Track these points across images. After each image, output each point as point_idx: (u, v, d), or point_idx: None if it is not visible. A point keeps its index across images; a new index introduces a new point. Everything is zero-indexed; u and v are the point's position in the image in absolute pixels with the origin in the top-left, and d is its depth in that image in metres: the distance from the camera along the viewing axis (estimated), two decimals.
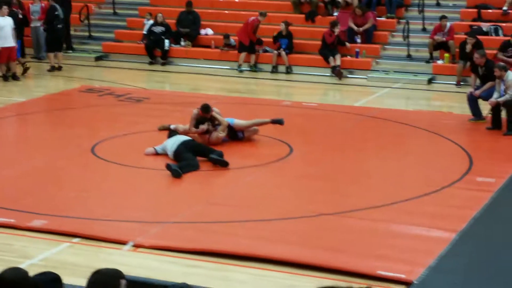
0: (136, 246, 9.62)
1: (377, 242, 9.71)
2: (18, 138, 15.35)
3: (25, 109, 17.32)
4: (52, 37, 21.99)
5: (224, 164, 12.80)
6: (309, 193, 11.79)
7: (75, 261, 9.10)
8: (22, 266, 7.01)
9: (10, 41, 20.35)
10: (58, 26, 22.02)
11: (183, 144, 13.10)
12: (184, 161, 12.71)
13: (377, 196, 11.39)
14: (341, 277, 8.57)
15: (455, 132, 15.22)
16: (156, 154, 13.41)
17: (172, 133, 13.85)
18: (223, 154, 13.04)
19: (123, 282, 5.72)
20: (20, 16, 22.52)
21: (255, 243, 9.59)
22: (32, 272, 5.75)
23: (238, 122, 14.53)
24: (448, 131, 15.18)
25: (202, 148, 13.28)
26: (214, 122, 14.21)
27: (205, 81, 21.24)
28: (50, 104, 18.05)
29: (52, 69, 21.76)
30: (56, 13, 21.99)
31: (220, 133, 14.15)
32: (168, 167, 12.34)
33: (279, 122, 14.58)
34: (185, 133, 14.02)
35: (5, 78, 20.33)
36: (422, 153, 14.07)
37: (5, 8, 20.52)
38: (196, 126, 14.18)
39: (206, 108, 14.15)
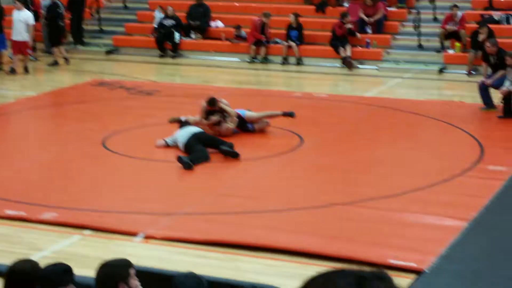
0: (147, 237, 9.63)
1: (388, 231, 9.69)
2: (29, 132, 15.38)
3: (37, 103, 17.36)
4: (55, 33, 22.13)
5: (234, 155, 12.79)
6: (320, 183, 11.77)
7: (86, 253, 9.11)
8: (33, 258, 7.01)
9: (22, 36, 20.48)
10: (60, 23, 22.18)
11: (194, 136, 13.09)
12: (195, 153, 12.71)
13: (389, 186, 11.36)
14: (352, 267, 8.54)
15: (467, 121, 15.16)
16: (167, 146, 13.42)
17: (183, 124, 13.84)
18: (233, 146, 13.04)
19: (132, 271, 5.74)
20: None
21: (266, 233, 9.59)
22: (43, 265, 5.77)
23: (249, 114, 14.52)
24: (460, 120, 15.12)
25: (212, 140, 13.27)
26: (223, 114, 14.19)
27: (215, 73, 21.23)
28: (61, 98, 18.09)
29: (55, 63, 21.76)
30: (58, 10, 22.15)
31: (230, 124, 14.14)
32: (180, 159, 12.34)
33: (290, 114, 14.54)
34: (196, 124, 14.02)
35: (13, 71, 20.44)
36: (434, 143, 14.03)
37: (18, 4, 20.73)
38: (206, 118, 14.18)
39: (212, 101, 14.14)
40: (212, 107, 14.11)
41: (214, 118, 14.12)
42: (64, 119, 16.32)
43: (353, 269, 1.76)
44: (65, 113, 16.80)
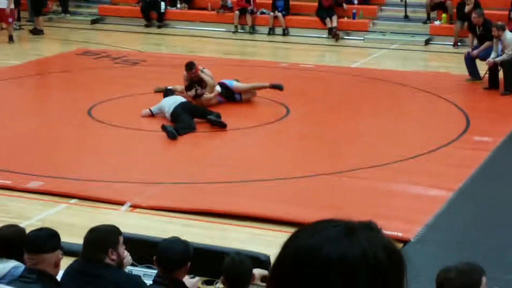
0: (134, 206, 9.63)
1: (374, 201, 9.72)
2: (14, 101, 15.28)
3: (21, 72, 17.24)
4: (36, 2, 21.97)
5: (222, 125, 12.77)
6: (306, 154, 11.77)
7: (72, 221, 9.09)
8: None
9: (1, 4, 20.42)
10: None
11: (181, 105, 13.05)
12: (180, 123, 12.67)
13: (375, 156, 11.38)
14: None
15: (452, 92, 15.18)
16: (152, 115, 13.38)
17: (167, 92, 13.79)
18: (220, 116, 13.01)
19: (121, 238, 5.73)
20: None
21: (253, 202, 9.60)
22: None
23: (236, 84, 14.49)
24: (445, 91, 15.14)
25: (199, 110, 13.24)
26: (202, 84, 14.10)
27: (201, 43, 21.14)
28: (46, 67, 17.99)
29: (36, 31, 21.59)
30: None
31: (208, 94, 14.07)
32: (164, 128, 12.32)
33: (278, 87, 14.47)
34: (182, 94, 13.98)
35: None
36: (419, 113, 14.05)
37: None
38: (187, 89, 14.10)
39: (188, 65, 14.09)
40: (189, 72, 14.03)
41: (190, 93, 14.02)
42: (49, 88, 16.24)
43: (341, 219, 1.77)
44: (50, 82, 16.72)
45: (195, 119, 12.91)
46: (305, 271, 1.67)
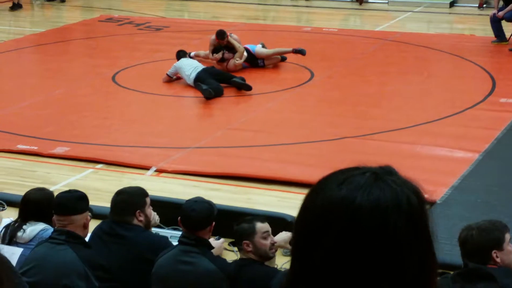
0: (159, 171, 9.67)
1: (400, 163, 9.52)
2: (38, 68, 15.34)
3: (45, 39, 17.28)
4: None
5: (247, 88, 12.73)
6: (331, 117, 11.74)
7: (98, 186, 9.15)
8: None
9: None
10: None
11: (204, 70, 13.01)
12: (209, 86, 12.59)
13: (400, 119, 11.34)
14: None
15: (478, 54, 15.05)
16: (171, 78, 13.38)
17: (181, 54, 13.74)
18: (245, 80, 12.99)
19: (148, 199, 5.77)
20: None
21: (277, 166, 9.61)
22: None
23: (259, 50, 14.44)
24: (471, 54, 15.02)
25: (223, 75, 13.21)
26: (231, 49, 14.09)
27: (224, 9, 21.04)
28: (69, 34, 18.01)
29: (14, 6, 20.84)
30: None
31: (237, 60, 14.06)
32: (199, 86, 12.27)
33: (301, 52, 14.41)
34: (206, 58, 13.97)
35: (15, 7, 20.27)
36: (445, 76, 13.96)
37: None
38: (214, 52, 14.11)
39: (221, 34, 14.05)
40: (221, 40, 14.02)
41: (216, 55, 14.01)
42: (73, 55, 16.27)
43: (366, 166, 1.76)
44: (74, 49, 16.74)
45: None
46: (338, 222, 1.66)
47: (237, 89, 12.82)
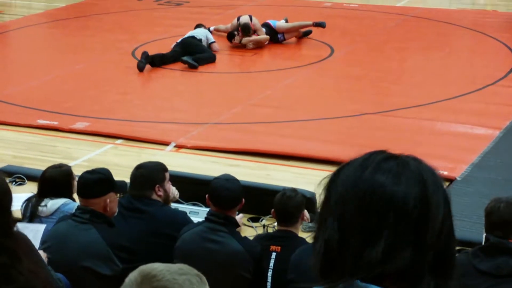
0: (178, 146, 9.69)
1: (420, 139, 9.65)
2: (58, 43, 15.35)
3: (64, 14, 17.28)
4: None
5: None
6: (351, 93, 11.71)
7: (118, 161, 9.17)
8: None
9: None
10: None
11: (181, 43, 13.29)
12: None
13: (421, 95, 11.28)
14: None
15: (500, 30, 14.93)
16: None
17: (197, 26, 13.89)
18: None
19: (167, 174, 5.77)
20: None
21: (296, 142, 9.60)
22: (76, 172, 5.77)
23: (280, 24, 14.39)
24: (493, 29, 14.89)
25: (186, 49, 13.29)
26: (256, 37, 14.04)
27: None
28: (89, 9, 17.98)
29: None
30: None
31: (250, 45, 13.94)
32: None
33: (321, 25, 14.37)
34: (225, 32, 14.05)
35: None
36: (466, 52, 13.88)
37: None
38: (229, 36, 14.08)
39: (246, 30, 13.91)
40: (246, 35, 13.90)
41: (235, 41, 13.98)
42: (93, 30, 16.25)
43: (386, 153, 1.86)
44: (93, 24, 16.72)
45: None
46: (368, 207, 1.74)
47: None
